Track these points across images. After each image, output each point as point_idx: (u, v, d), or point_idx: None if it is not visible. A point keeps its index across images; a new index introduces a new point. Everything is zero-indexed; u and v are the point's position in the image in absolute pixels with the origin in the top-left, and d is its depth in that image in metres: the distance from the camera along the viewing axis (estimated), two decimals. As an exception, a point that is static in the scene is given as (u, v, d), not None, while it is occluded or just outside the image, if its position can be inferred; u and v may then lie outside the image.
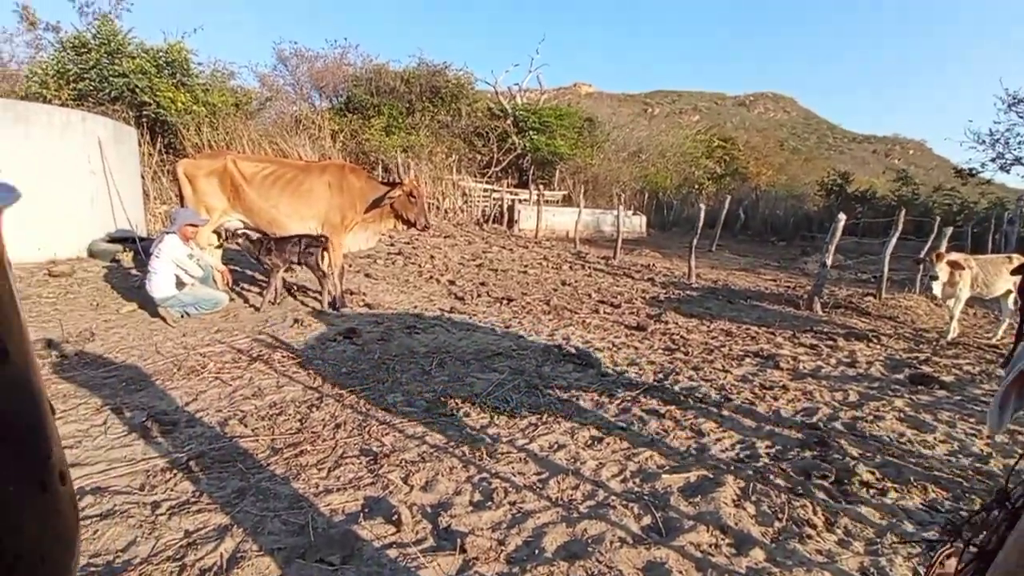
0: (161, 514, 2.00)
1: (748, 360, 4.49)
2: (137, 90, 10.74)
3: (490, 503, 2.19)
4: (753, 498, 2.33)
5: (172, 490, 2.16)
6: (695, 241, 8.30)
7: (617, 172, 20.97)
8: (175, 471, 2.29)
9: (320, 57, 17.55)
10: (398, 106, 16.50)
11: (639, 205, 19.79)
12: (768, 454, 2.76)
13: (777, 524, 2.16)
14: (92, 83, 10.61)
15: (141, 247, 6.26)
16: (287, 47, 17.51)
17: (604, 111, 36.57)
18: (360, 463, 2.45)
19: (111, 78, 10.64)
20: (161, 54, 11.50)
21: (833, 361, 4.63)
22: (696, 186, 24.05)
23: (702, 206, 8.56)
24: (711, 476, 2.48)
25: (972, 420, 3.39)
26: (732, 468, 2.58)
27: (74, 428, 2.63)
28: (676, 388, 3.70)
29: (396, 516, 2.01)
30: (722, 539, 2.03)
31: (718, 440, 2.90)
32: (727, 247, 15.01)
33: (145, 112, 10.82)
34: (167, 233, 4.64)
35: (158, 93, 10.76)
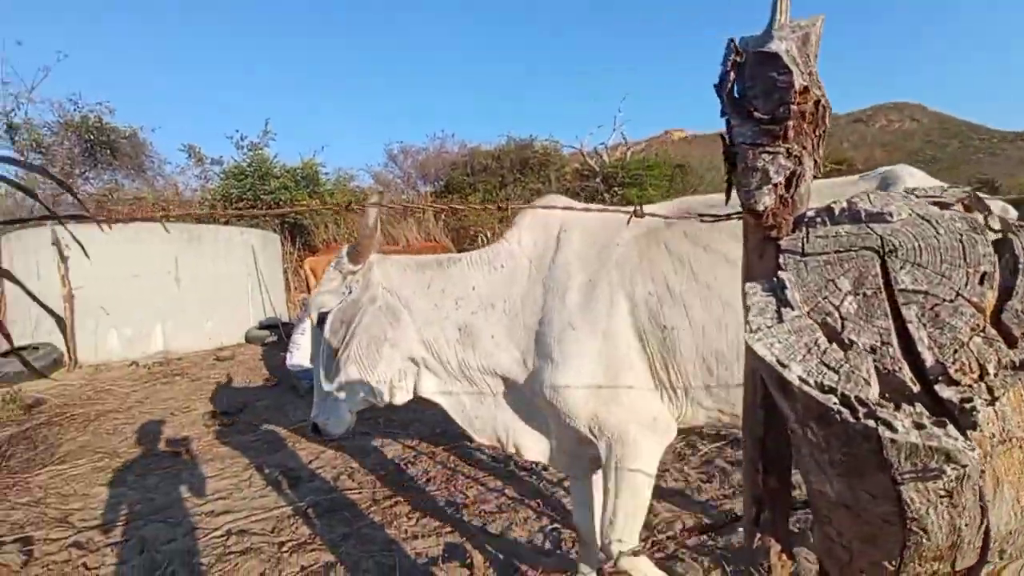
0: (285, 552, 2.46)
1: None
2: (281, 202, 12.52)
3: (558, 551, 2.36)
4: None
5: (294, 532, 2.63)
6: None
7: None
8: (297, 517, 2.77)
9: (422, 150, 19.54)
10: (491, 181, 17.45)
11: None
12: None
13: None
14: (248, 202, 12.66)
15: (283, 331, 7.27)
16: (395, 146, 19.47)
17: (698, 154, 23.45)
18: (445, 513, 2.75)
19: (262, 196, 12.74)
20: (298, 171, 13.78)
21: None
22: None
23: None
24: None
25: None
26: None
27: (227, 483, 3.26)
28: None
29: (470, 560, 2.28)
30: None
31: None
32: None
33: (287, 219, 12.68)
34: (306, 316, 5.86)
35: (295, 203, 12.23)
